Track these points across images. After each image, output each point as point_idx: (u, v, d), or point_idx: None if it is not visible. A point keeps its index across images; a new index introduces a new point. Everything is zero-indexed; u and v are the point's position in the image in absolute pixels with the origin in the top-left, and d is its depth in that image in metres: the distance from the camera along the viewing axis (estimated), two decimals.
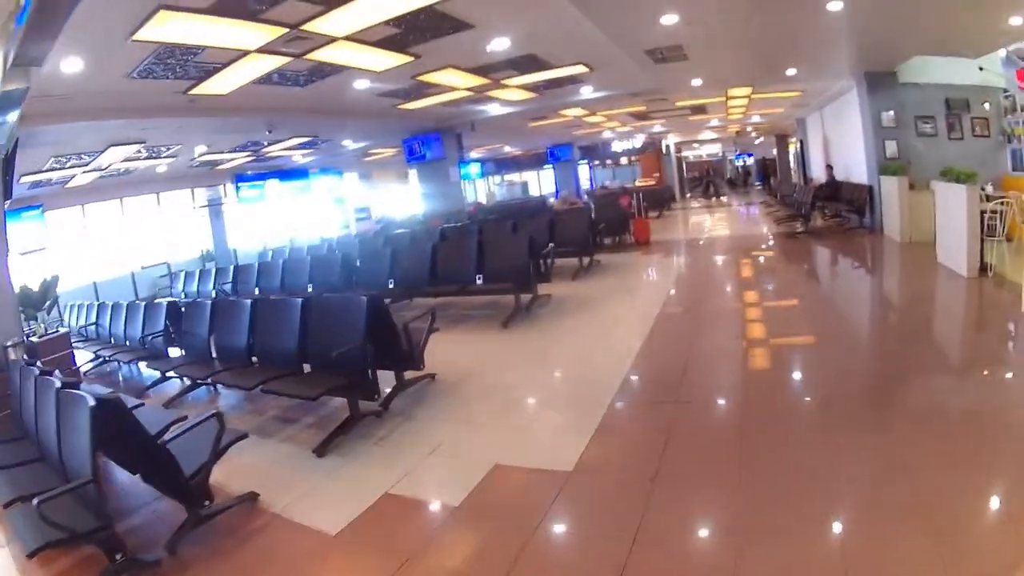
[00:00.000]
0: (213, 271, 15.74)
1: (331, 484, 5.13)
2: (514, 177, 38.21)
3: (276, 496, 4.93)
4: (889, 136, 14.20)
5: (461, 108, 15.67)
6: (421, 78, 11.62)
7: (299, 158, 20.91)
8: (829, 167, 18.70)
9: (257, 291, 13.34)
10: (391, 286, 11.14)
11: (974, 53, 12.49)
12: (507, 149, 31.25)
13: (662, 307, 9.88)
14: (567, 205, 19.66)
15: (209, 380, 7.51)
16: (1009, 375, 5.88)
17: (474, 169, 32.63)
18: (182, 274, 16.89)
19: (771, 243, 15.78)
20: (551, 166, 32.12)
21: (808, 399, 5.98)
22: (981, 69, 12.84)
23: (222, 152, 17.14)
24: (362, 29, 8.21)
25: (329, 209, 26.90)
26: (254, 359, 7.16)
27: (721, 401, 6.07)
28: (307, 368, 6.50)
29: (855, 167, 16.45)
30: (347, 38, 8.47)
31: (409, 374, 6.85)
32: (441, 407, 6.51)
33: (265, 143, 16.54)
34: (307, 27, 7.77)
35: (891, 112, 14.14)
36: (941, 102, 13.91)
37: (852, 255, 13.60)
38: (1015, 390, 5.45)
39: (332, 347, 5.91)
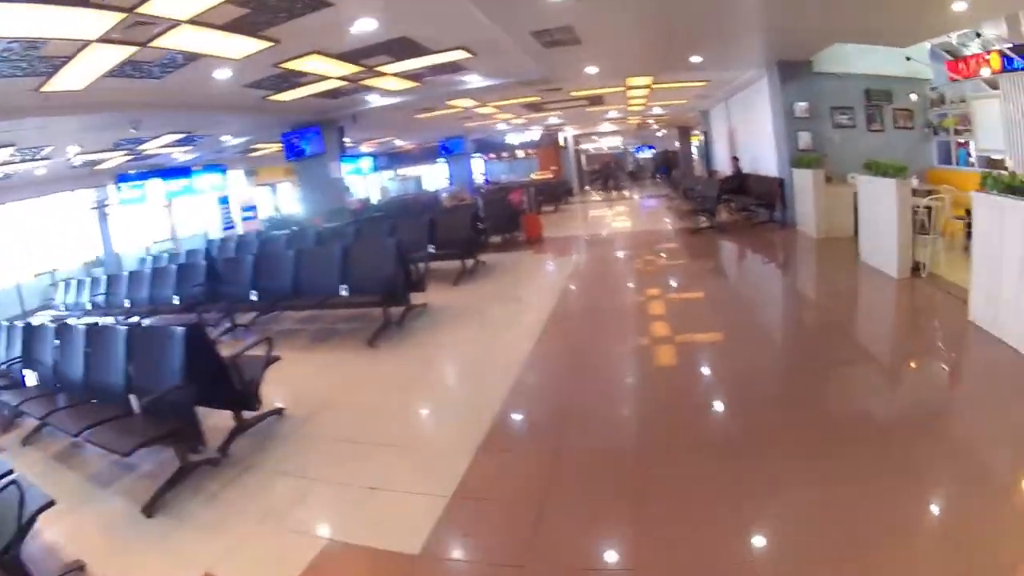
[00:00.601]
0: (103, 279, 14.39)
1: (153, 557, 4.26)
2: (408, 172, 36.38)
3: (103, 569, 4.15)
4: (802, 127, 13.44)
5: (340, 100, 14.40)
6: (286, 66, 10.39)
7: (179, 156, 19.48)
8: (735, 159, 17.83)
9: (128, 303, 12.33)
10: (254, 298, 9.76)
11: (906, 42, 11.75)
12: (398, 143, 29.50)
13: (549, 316, 8.74)
14: (456, 201, 18.14)
15: (43, 420, 6.20)
16: (966, 393, 5.35)
17: (365, 164, 31.37)
18: (63, 284, 16.18)
19: (674, 239, 14.71)
20: (444, 160, 30.38)
21: (714, 418, 5.35)
22: (908, 59, 12.24)
23: (97, 152, 15.62)
24: (206, 10, 7.24)
25: (213, 209, 25.07)
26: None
27: (614, 434, 5.12)
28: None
29: (764, 159, 15.69)
30: (192, 21, 7.48)
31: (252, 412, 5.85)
32: (283, 454, 5.46)
33: (140, 141, 15.31)
34: (144, 9, 6.81)
35: (805, 103, 13.37)
36: (860, 93, 13.38)
37: (764, 252, 12.69)
38: (974, 413, 4.80)
39: (155, 385, 5.17)
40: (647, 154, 46.12)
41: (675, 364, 6.72)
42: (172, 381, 5.09)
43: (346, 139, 19.92)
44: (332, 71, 11.38)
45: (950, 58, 11.11)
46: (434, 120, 20.26)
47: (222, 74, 10.12)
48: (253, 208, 26.63)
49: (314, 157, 16.92)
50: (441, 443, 5.31)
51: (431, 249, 11.75)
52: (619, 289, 10.39)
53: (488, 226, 14.79)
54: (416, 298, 9.43)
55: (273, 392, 6.30)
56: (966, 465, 3.98)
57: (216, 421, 5.70)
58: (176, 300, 11.06)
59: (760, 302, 9.33)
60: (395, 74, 12.22)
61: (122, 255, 20.92)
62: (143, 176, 18.92)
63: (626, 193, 33.43)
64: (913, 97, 12.99)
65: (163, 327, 5.71)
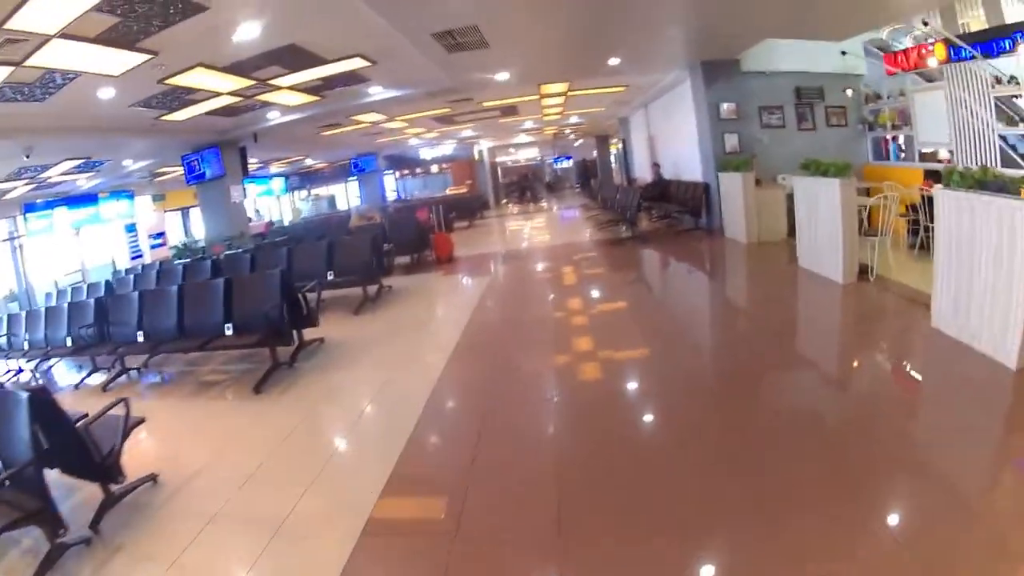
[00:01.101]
0: (3, 318, 13.55)
1: None
2: (321, 191, 34.99)
3: None
4: (729, 129, 12.98)
5: (238, 118, 13.43)
6: (171, 82, 9.56)
7: (84, 182, 18.58)
8: (656, 165, 17.36)
9: (27, 345, 11.57)
10: (139, 339, 8.66)
11: (840, 36, 11.27)
12: (309, 162, 28.23)
13: (455, 346, 7.80)
14: (365, 220, 17.05)
15: None
16: (951, 412, 4.57)
17: (277, 184, 30.12)
18: None
19: (594, 251, 13.93)
20: (355, 178, 29.15)
21: (644, 446, 4.76)
22: (844, 54, 11.75)
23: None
24: (73, 20, 6.61)
25: (120, 237, 23.49)
26: None
27: (531, 500, 4.13)
28: None
29: (687, 164, 15.24)
30: (62, 35, 6.91)
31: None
32: (152, 533, 4.52)
33: (41, 169, 14.63)
34: (11, 25, 6.35)
35: (732, 103, 12.93)
36: (790, 91, 13.06)
37: (692, 260, 12.11)
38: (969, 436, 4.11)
39: (11, 458, 4.38)
40: (565, 164, 45.75)
41: (599, 389, 5.97)
42: (22, 455, 4.24)
43: (252, 159, 18.88)
44: (222, 85, 10.45)
45: (882, 53, 10.78)
46: (342, 137, 19.24)
47: (106, 93, 9.42)
48: (162, 235, 25.01)
49: (215, 180, 15.83)
50: (318, 523, 4.27)
51: (330, 276, 10.79)
52: (534, 309, 9.51)
53: (394, 247, 13.89)
54: (310, 333, 8.45)
55: (148, 453, 5.83)
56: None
57: (92, 490, 4.89)
58: (68, 342, 10.00)
59: (691, 314, 8.66)
60: (292, 87, 11.29)
61: (37, 289, 19.64)
62: (50, 205, 18.15)
63: (544, 205, 32.87)
64: (848, 93, 12.66)
65: (7, 391, 4.72)
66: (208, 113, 12.22)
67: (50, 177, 15.99)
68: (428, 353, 7.76)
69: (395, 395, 6.54)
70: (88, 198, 19.61)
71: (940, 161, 10.24)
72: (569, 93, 16.47)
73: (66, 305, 10.69)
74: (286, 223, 28.28)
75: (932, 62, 9.18)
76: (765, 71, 12.86)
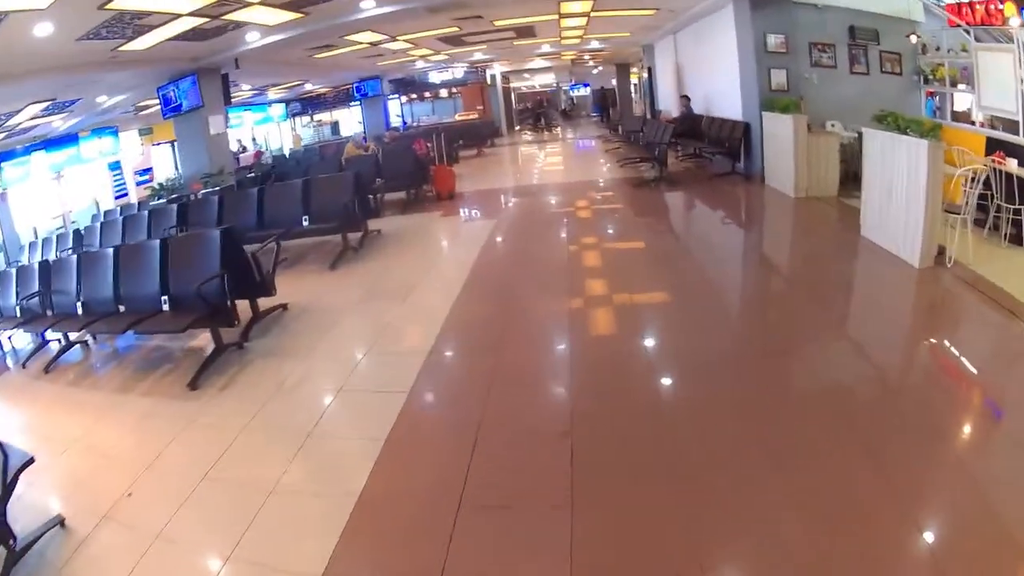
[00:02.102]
0: None
1: None
2: (324, 117, 32.98)
3: None
4: (776, 64, 11.28)
5: (212, 42, 11.78)
6: (113, 6, 8.21)
7: (60, 123, 17.39)
8: (685, 98, 15.53)
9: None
10: (79, 311, 7.33)
11: None
12: (309, 87, 26.30)
13: (442, 326, 6.30)
14: (362, 151, 15.33)
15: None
16: None
17: (276, 111, 28.60)
18: None
19: (616, 194, 12.30)
20: (358, 103, 27.19)
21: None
22: None
23: None
24: None
25: (104, 177, 21.81)
26: None
27: None
28: None
29: (722, 99, 13.59)
30: None
31: None
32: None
33: (8, 116, 13.77)
34: None
35: (781, 36, 11.20)
36: (843, 29, 11.32)
37: (735, 216, 10.55)
38: None
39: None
40: (582, 92, 43.50)
41: (630, 394, 4.66)
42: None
43: (245, 85, 17.25)
44: (178, 5, 8.96)
45: (944, 2, 9.11)
46: (340, 60, 17.40)
47: (43, 29, 8.22)
48: (149, 171, 23.25)
49: (193, 111, 14.16)
50: None
51: (305, 222, 9.33)
52: (544, 272, 7.81)
53: (388, 182, 12.54)
54: (268, 302, 7.13)
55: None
56: None
57: None
58: (17, 312, 8.56)
59: (735, 290, 7.17)
60: (265, 2, 9.60)
61: (24, 241, 18.41)
62: (28, 150, 17.23)
63: (559, 133, 31.08)
64: (913, 39, 10.82)
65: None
66: (174, 39, 10.73)
67: (20, 123, 15.15)
68: (408, 329, 6.43)
69: (363, 395, 5.16)
70: (68, 139, 18.56)
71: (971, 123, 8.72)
72: (592, 13, 14.55)
73: (14, 270, 9.29)
74: (286, 152, 26.60)
75: (1014, 22, 7.44)
76: (817, 3, 11.14)
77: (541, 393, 4.89)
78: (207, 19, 9.96)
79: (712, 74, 14.46)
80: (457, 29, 14.95)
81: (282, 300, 7.38)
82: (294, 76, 20.86)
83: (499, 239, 9.70)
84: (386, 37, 14.87)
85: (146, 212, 11.68)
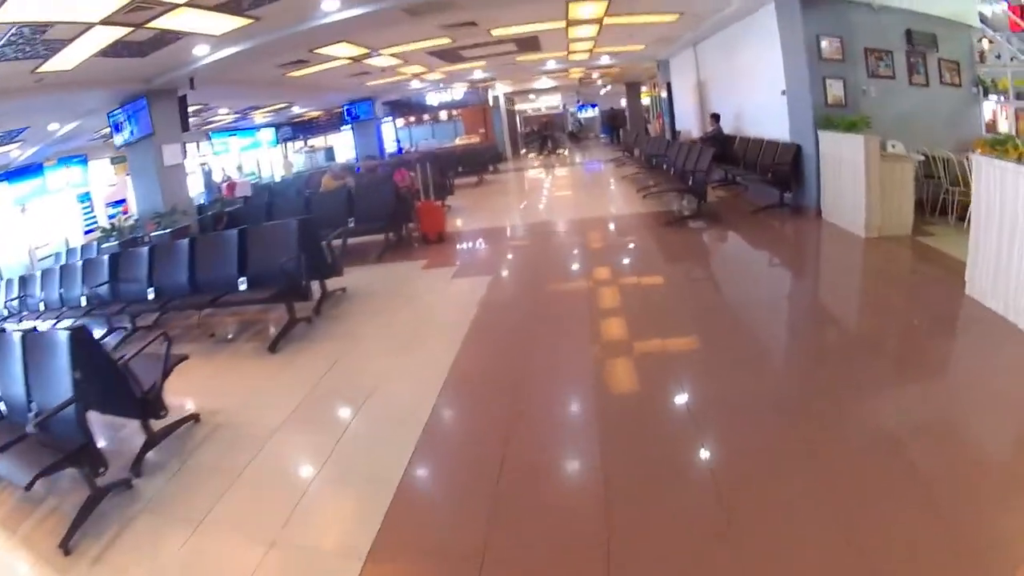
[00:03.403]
0: None
1: None
2: (319, 142, 30.92)
3: None
4: (832, 73, 9.27)
5: (155, 58, 9.95)
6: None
7: (17, 153, 16.09)
8: (715, 117, 13.40)
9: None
10: None
11: None
12: (297, 109, 24.34)
13: (411, 457, 4.20)
14: (340, 183, 13.12)
15: None
16: None
17: (265, 136, 27.07)
18: None
19: (646, 238, 9.86)
20: (349, 127, 25.03)
21: None
22: None
23: None
24: None
25: (74, 208, 20.06)
26: None
27: None
28: None
29: (760, 117, 11.72)
30: None
31: None
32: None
33: None
34: None
35: (836, 40, 9.20)
36: (900, 33, 9.52)
37: (809, 274, 8.07)
38: None
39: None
40: (590, 113, 41.63)
41: None
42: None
43: (221, 109, 16.94)
44: (85, 13, 7.25)
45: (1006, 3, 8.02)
46: (321, 80, 15.43)
47: None
48: (122, 202, 21.12)
49: (145, 139, 12.21)
50: None
51: (242, 286, 7.25)
52: (556, 374, 5.34)
53: (360, 224, 10.54)
54: (164, 420, 4.98)
55: None
56: None
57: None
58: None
59: (847, 405, 4.45)
60: (192, 4, 7.66)
61: None
62: None
63: (567, 157, 29.19)
64: (985, 44, 9.36)
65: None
66: (103, 55, 9.02)
67: None
68: (360, 467, 4.23)
69: None
70: (31, 169, 17.36)
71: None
72: (606, 20, 12.52)
73: None
74: (278, 179, 24.64)
75: None
76: (872, 2, 9.25)
77: None
78: (129, 28, 8.11)
79: (745, 88, 12.54)
80: (449, 40, 12.91)
81: (201, 402, 5.45)
82: (274, 98, 18.89)
83: (495, 308, 7.32)
84: (368, 51, 12.85)
85: (80, 264, 9.83)
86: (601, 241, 10.08)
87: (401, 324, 7.09)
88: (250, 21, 8.72)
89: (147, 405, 4.76)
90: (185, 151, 13.17)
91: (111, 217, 19.99)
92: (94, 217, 20.22)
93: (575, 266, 8.83)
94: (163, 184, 12.33)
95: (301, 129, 29.52)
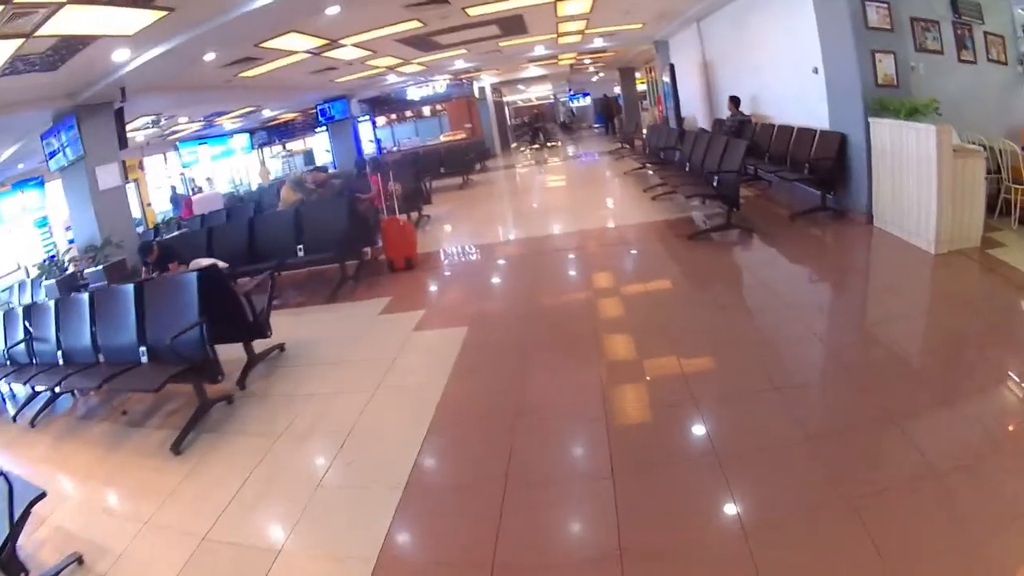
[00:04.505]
0: None
1: None
2: (298, 145, 29.02)
3: None
4: (881, 46, 7.47)
5: (70, 69, 8.64)
6: None
7: None
8: (734, 100, 11.66)
9: None
10: None
11: None
12: (268, 113, 22.61)
13: None
14: (298, 198, 11.03)
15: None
16: None
17: (238, 142, 25.63)
18: None
19: (665, 260, 7.92)
20: (324, 129, 23.03)
21: None
22: None
23: None
24: None
25: (31, 236, 18.46)
26: None
27: None
28: None
29: (787, 99, 10.13)
30: None
31: None
32: None
33: None
34: None
35: (884, 5, 7.43)
36: (946, 2, 7.97)
37: (878, 311, 5.96)
38: None
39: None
40: (582, 102, 39.86)
41: None
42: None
43: (180, 118, 16.10)
44: None
45: None
46: (282, 78, 13.76)
47: None
48: None
49: (78, 162, 10.65)
50: None
51: (143, 356, 5.56)
52: (556, 498, 3.58)
53: (309, 254, 8.76)
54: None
55: None
56: None
57: None
58: None
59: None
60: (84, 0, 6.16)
61: None
62: None
63: (560, 149, 27.40)
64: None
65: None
66: (4, 74, 7.87)
67: None
68: None
69: None
70: None
71: None
72: None
73: None
74: (254, 187, 22.93)
75: None
76: None
77: None
78: (19, 40, 6.81)
79: (764, 67, 10.94)
80: (420, 24, 11.15)
81: (78, 544, 3.86)
82: (236, 102, 17.14)
83: (469, 386, 5.18)
84: (327, 41, 11.14)
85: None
86: (609, 266, 8.09)
87: (340, 412, 5.05)
88: (164, 13, 7.11)
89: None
90: (125, 172, 11.51)
91: (71, 242, 18.41)
92: (53, 243, 18.53)
93: (579, 309, 6.65)
94: (99, 211, 10.70)
95: (277, 132, 27.83)
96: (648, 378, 4.83)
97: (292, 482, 4.17)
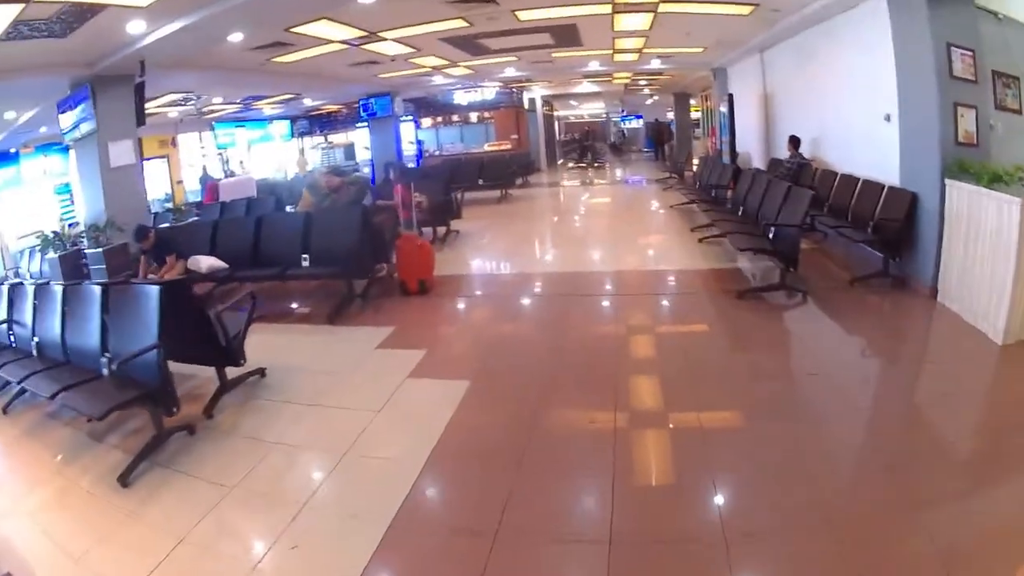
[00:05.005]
0: None
1: None
2: (340, 138, 28.49)
3: None
4: (965, 99, 6.57)
5: (84, 36, 8.17)
6: None
7: None
8: (794, 141, 10.79)
9: None
10: None
11: None
12: (308, 102, 22.18)
13: None
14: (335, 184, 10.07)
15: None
16: None
17: (278, 129, 25.45)
18: None
19: (709, 324, 6.87)
20: (365, 124, 22.31)
21: None
22: None
23: None
24: None
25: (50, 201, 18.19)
26: None
27: None
28: None
29: (854, 146, 9.26)
30: None
31: None
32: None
33: None
34: None
35: (969, 54, 6.58)
36: None
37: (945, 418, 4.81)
38: None
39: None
40: (634, 124, 39.14)
41: None
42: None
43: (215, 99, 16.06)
44: None
45: None
46: (321, 67, 13.38)
47: None
48: None
49: (91, 136, 10.14)
50: None
51: (104, 369, 4.82)
52: None
53: (314, 266, 7.89)
54: None
55: None
56: None
57: None
58: None
59: None
60: None
61: None
62: None
63: (607, 172, 26.60)
64: None
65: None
66: (8, 38, 7.55)
67: None
68: None
69: None
70: (4, 156, 16.45)
71: None
72: (661, 6, 10.05)
73: None
74: (290, 177, 22.32)
75: None
76: (998, 13, 7.06)
77: None
78: (21, 4, 6.54)
79: (829, 107, 10.13)
80: (465, 24, 10.51)
81: None
82: (274, 88, 16.72)
83: (457, 465, 4.29)
84: (364, 33, 10.58)
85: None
86: (646, 325, 7.07)
87: (301, 475, 4.32)
88: None
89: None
90: (140, 150, 10.93)
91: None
92: (72, 212, 17.95)
93: (603, 380, 5.42)
94: (107, 189, 10.15)
95: (319, 123, 27.46)
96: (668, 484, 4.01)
97: (227, 557, 3.46)
